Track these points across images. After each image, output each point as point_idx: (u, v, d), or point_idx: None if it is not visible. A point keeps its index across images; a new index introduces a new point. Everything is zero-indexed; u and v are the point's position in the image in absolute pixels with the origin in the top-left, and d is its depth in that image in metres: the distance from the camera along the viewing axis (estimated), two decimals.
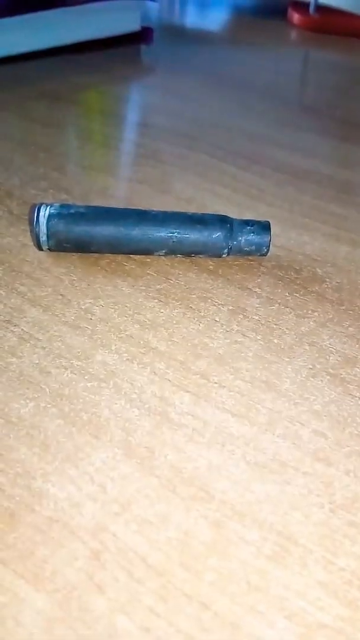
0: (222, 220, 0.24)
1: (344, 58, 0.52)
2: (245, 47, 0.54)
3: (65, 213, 0.24)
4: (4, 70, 0.44)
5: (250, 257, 0.25)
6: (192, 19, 0.67)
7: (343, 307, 0.23)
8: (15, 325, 0.21)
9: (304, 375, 0.20)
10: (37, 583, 0.14)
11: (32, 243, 0.25)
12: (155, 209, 0.25)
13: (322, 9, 0.60)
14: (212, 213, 0.25)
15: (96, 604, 0.14)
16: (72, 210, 0.24)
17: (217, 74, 0.46)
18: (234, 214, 0.28)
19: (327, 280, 0.24)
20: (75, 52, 0.48)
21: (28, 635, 0.13)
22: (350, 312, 0.23)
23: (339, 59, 0.52)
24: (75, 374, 0.19)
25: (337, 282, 0.24)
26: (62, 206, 0.24)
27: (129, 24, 0.51)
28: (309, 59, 0.52)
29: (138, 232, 0.24)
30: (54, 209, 0.24)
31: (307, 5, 0.61)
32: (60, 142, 0.34)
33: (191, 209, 0.28)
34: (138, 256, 0.25)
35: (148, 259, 0.25)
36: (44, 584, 0.14)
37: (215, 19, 0.66)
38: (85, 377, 0.19)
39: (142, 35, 0.51)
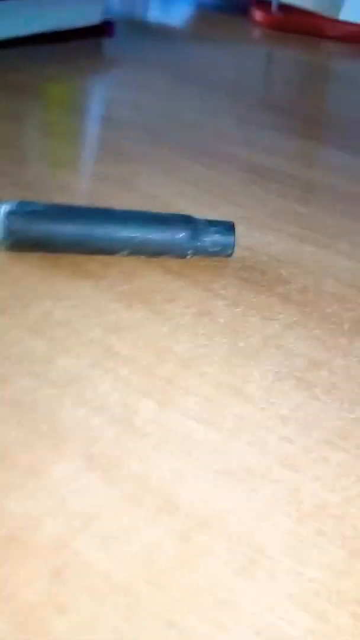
0: (186, 221, 0.24)
1: (306, 56, 0.52)
2: (208, 43, 0.54)
3: (26, 210, 0.23)
4: None
5: (215, 258, 0.25)
6: (154, 13, 0.66)
7: (308, 309, 0.23)
8: None
9: (270, 380, 0.20)
10: None
11: None
12: (118, 208, 0.24)
13: (284, 7, 0.60)
14: (175, 213, 0.24)
15: (58, 625, 0.13)
16: (32, 208, 0.23)
17: (180, 69, 0.46)
18: (198, 212, 0.28)
19: (292, 281, 0.24)
20: (36, 43, 0.46)
21: None
22: (315, 314, 0.23)
23: (300, 57, 0.52)
24: (35, 381, 0.19)
25: (302, 284, 0.24)
26: (21, 203, 0.23)
27: (91, 16, 0.49)
28: (271, 56, 0.52)
29: (100, 232, 0.23)
30: (13, 206, 0.23)
31: (269, 3, 0.61)
32: (21, 136, 0.33)
33: (155, 207, 0.28)
34: (100, 256, 0.24)
35: (111, 259, 0.24)
36: (2, 605, 0.13)
37: (177, 14, 0.65)
38: (46, 384, 0.19)
39: (104, 29, 0.50)
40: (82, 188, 0.29)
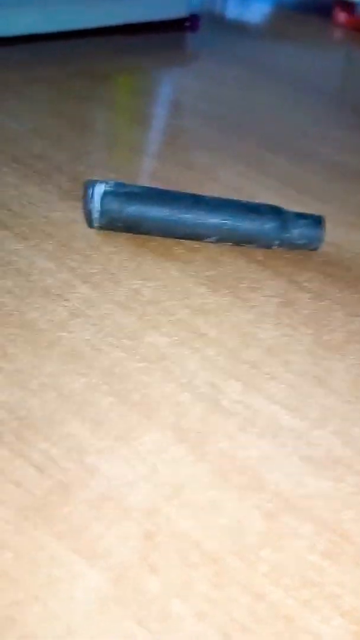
0: (276, 211, 0.24)
1: None
2: (288, 42, 0.53)
3: (120, 192, 0.23)
4: (52, 48, 0.43)
5: (299, 251, 0.25)
6: (234, 9, 0.66)
7: None
8: (66, 300, 0.21)
9: (354, 374, 0.20)
10: (91, 559, 0.14)
11: (82, 219, 0.25)
12: (207, 195, 0.25)
13: None
14: (265, 203, 0.24)
15: (150, 585, 0.14)
16: (126, 189, 0.23)
17: (260, 66, 0.46)
18: (283, 206, 0.28)
19: None
20: (122, 33, 0.47)
21: (82, 611, 0.13)
22: None
23: None
24: (126, 353, 0.19)
25: None
26: (117, 184, 0.23)
27: (177, 10, 0.50)
28: (352, 58, 0.52)
29: (191, 217, 0.23)
30: (109, 187, 0.23)
31: (354, 5, 0.60)
32: (107, 122, 0.34)
33: (240, 197, 0.28)
34: (187, 241, 0.25)
35: (197, 244, 0.25)
36: (98, 561, 0.14)
37: (257, 12, 0.65)
38: (136, 357, 0.19)
39: (189, 22, 0.51)
40: (168, 175, 0.29)
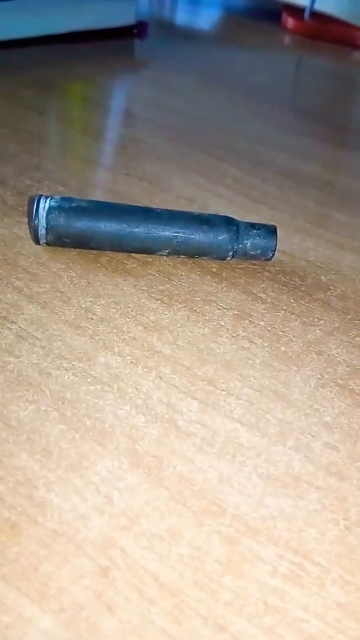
0: (228, 222, 0.23)
1: (338, 65, 0.52)
2: (239, 48, 0.54)
3: (66, 206, 0.22)
4: None
5: (254, 261, 0.25)
6: (183, 16, 0.66)
7: (349, 317, 0.22)
8: (12, 322, 0.20)
9: (312, 385, 0.19)
10: (42, 602, 0.13)
11: (28, 236, 0.24)
12: (158, 207, 0.24)
13: (317, 15, 0.60)
14: (217, 214, 0.24)
15: (106, 624, 0.13)
16: (73, 204, 0.23)
17: (211, 73, 0.46)
18: (236, 216, 0.28)
19: (332, 288, 0.24)
20: (69, 41, 0.46)
21: None
22: (357, 321, 0.22)
23: (332, 66, 0.52)
24: (77, 377, 0.18)
25: (342, 291, 0.24)
26: (63, 199, 0.23)
27: (125, 17, 0.50)
28: (302, 63, 0.52)
29: (142, 230, 0.23)
30: (55, 202, 0.22)
31: (302, 10, 0.61)
32: (55, 132, 0.33)
33: (193, 209, 0.28)
34: (139, 255, 0.24)
35: (149, 258, 0.24)
36: (50, 603, 0.13)
37: (207, 18, 0.65)
38: (88, 380, 0.18)
39: (137, 30, 0.51)
40: (117, 186, 0.29)
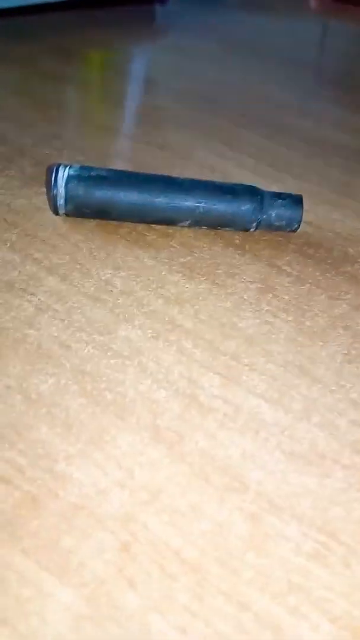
0: (252, 192, 0.23)
1: None
2: (262, 12, 0.52)
3: (86, 176, 0.22)
4: (15, 23, 0.41)
5: (278, 233, 0.24)
6: None
7: None
8: (31, 294, 0.20)
9: (339, 361, 0.19)
10: (62, 576, 0.13)
11: (47, 207, 0.24)
12: (180, 177, 0.23)
13: None
14: (240, 183, 0.23)
15: (127, 600, 0.13)
16: (93, 173, 0.22)
17: (236, 39, 0.44)
18: (260, 185, 0.27)
19: None
20: (88, 7, 0.45)
21: (54, 633, 0.12)
22: None
23: (358, 30, 0.50)
24: (97, 350, 0.18)
25: None
26: (82, 168, 0.22)
27: None
28: (329, 27, 0.50)
29: (163, 200, 0.22)
30: (74, 171, 0.22)
31: None
32: (74, 101, 0.32)
33: (215, 178, 0.27)
34: (160, 226, 0.23)
35: (170, 229, 0.23)
36: (71, 577, 0.13)
37: None
38: (108, 354, 0.18)
39: None
40: (139, 156, 0.28)
